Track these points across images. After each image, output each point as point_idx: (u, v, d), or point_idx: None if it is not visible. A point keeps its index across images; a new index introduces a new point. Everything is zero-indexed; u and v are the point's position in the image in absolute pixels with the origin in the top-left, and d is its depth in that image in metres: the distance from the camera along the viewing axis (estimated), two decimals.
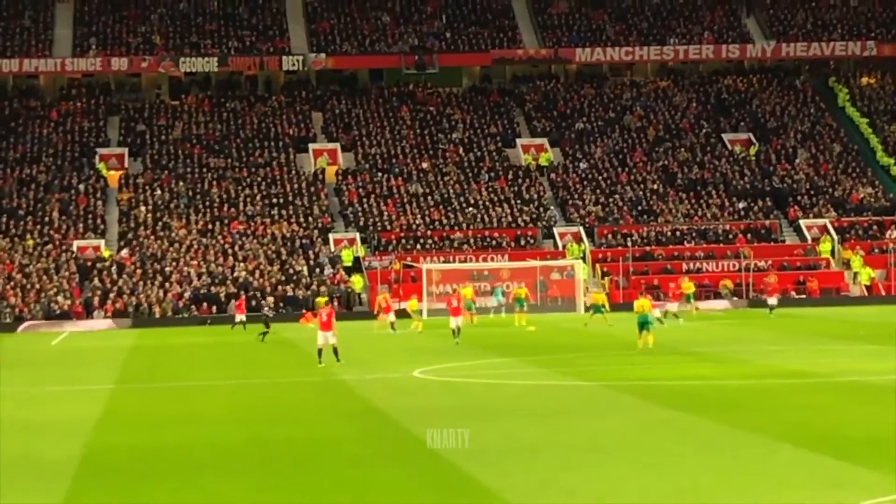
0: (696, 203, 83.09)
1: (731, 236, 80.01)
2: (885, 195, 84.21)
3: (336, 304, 66.49)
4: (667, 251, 78.47)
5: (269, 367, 41.93)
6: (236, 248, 76.77)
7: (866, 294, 75.74)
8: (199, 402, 32.30)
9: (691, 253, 78.44)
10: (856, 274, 76.76)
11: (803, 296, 74.48)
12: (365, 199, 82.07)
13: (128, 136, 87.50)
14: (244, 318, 62.90)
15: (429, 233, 79.02)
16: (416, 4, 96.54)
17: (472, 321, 60.71)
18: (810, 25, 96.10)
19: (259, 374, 39.71)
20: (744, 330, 55.18)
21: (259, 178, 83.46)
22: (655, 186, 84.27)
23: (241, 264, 74.87)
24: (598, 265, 76.51)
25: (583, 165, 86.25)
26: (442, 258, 75.98)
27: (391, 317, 57.88)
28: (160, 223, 78.90)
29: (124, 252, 75.93)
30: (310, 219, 79.98)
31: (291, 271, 74.39)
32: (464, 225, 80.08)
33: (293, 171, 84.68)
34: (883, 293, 75.45)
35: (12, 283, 72.09)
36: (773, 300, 65.46)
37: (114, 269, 73.95)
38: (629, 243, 78.20)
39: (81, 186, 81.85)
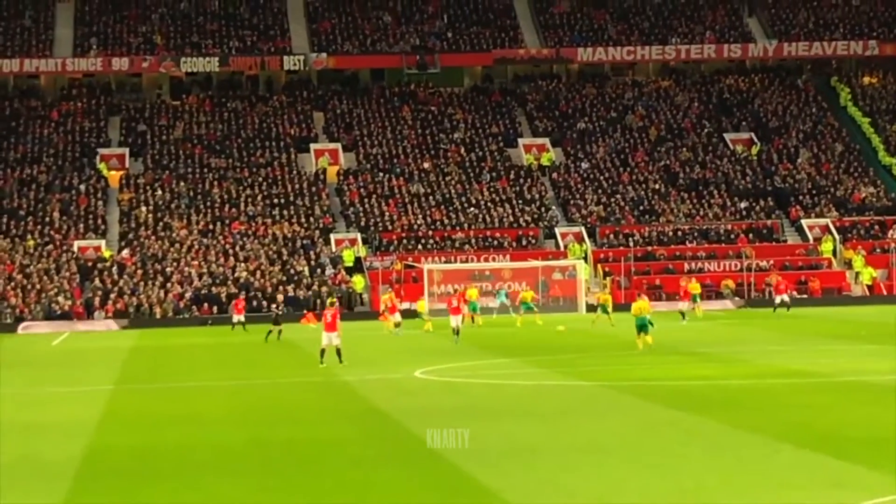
0: (697, 203, 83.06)
1: (732, 236, 79.97)
2: (886, 195, 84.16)
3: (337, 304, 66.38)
4: (668, 251, 78.45)
5: (270, 368, 41.91)
6: (237, 248, 76.75)
7: (868, 294, 75.71)
8: (199, 402, 32.27)
9: (693, 253, 78.41)
10: (857, 274, 76.73)
11: (805, 296, 74.44)
12: (366, 200, 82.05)
13: (129, 136, 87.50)
14: (243, 319, 62.82)
15: (430, 233, 78.99)
16: (417, 4, 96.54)
17: (477, 322, 60.80)
18: (812, 25, 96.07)
19: (260, 374, 39.69)
20: (745, 330, 55.17)
21: (260, 179, 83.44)
22: (657, 186, 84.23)
23: (243, 265, 74.85)
24: (599, 265, 76.48)
25: (584, 165, 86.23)
26: (443, 258, 75.96)
27: (397, 317, 57.86)
28: (161, 223, 78.89)
29: (125, 252, 75.91)
30: (311, 219, 79.96)
31: (293, 272, 74.37)
32: (465, 225, 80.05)
33: (294, 172, 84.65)
34: (885, 293, 75.39)
35: (13, 284, 72.08)
36: (778, 299, 65.87)
37: (114, 269, 73.93)
38: (631, 243, 78.16)
39: (82, 187, 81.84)
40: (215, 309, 70.93)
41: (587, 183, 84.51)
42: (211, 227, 78.98)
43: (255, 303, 70.18)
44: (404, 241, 78.17)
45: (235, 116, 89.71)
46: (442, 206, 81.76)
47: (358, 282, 74.13)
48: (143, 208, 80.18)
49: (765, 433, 23.85)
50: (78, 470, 21.84)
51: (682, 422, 26.04)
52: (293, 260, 75.68)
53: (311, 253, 76.55)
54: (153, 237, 77.49)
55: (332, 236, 78.62)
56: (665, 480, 19.72)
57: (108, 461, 23.04)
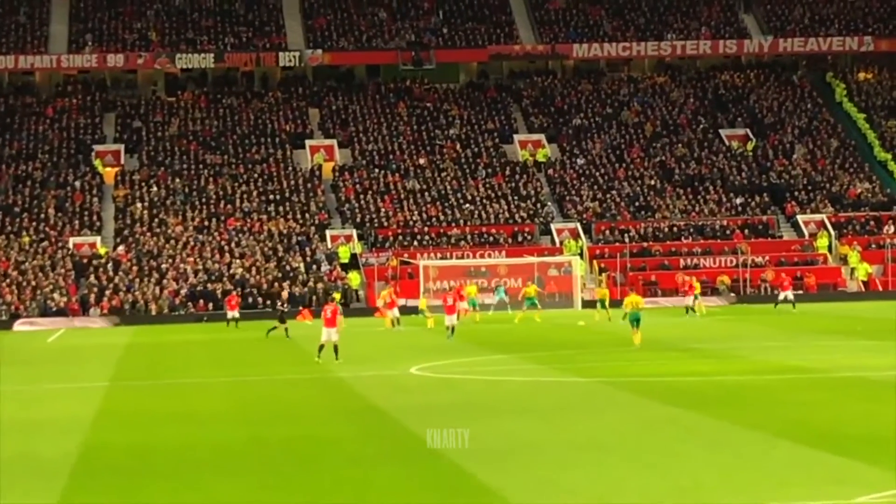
0: (693, 199, 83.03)
1: (728, 232, 79.97)
2: (882, 190, 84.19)
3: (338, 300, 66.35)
4: (664, 247, 78.44)
5: (266, 364, 41.86)
6: (233, 244, 76.67)
7: (863, 289, 75.71)
8: (196, 399, 32.22)
9: (689, 249, 78.39)
10: (853, 269, 76.73)
11: (800, 291, 74.39)
12: (362, 196, 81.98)
13: (124, 132, 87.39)
14: (237, 315, 62.70)
15: (426, 229, 78.93)
16: (412, 0, 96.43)
17: (476, 319, 60.88)
18: (807, 20, 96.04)
19: (256, 371, 39.63)
20: (741, 326, 55.17)
21: (255, 175, 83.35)
22: (653, 182, 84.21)
23: (238, 261, 74.79)
24: (595, 261, 76.46)
25: (580, 161, 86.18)
26: (439, 254, 75.92)
27: (395, 312, 57.79)
28: (156, 220, 78.80)
29: (120, 249, 75.80)
30: (306, 215, 79.90)
31: (288, 268, 74.31)
32: (461, 221, 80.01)
33: (290, 168, 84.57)
34: (880, 288, 75.44)
35: (8, 281, 72.00)
36: (782, 296, 65.73)
37: (110, 266, 73.86)
38: (626, 239, 78.16)
39: (77, 183, 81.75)
40: (211, 305, 70.84)
41: (583, 179, 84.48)
42: (206, 223, 78.88)
43: (250, 299, 70.08)
44: (400, 237, 78.12)
45: (231, 113, 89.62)
46: (437, 203, 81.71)
47: (353, 278, 74.10)
48: (139, 205, 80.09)
49: (763, 430, 23.83)
50: (74, 467, 21.79)
51: (680, 419, 26.02)
52: (289, 256, 75.60)
53: (307, 249, 76.48)
54: (148, 234, 77.41)
55: (328, 232, 78.55)
56: (664, 478, 19.69)
57: (104, 458, 22.99)
